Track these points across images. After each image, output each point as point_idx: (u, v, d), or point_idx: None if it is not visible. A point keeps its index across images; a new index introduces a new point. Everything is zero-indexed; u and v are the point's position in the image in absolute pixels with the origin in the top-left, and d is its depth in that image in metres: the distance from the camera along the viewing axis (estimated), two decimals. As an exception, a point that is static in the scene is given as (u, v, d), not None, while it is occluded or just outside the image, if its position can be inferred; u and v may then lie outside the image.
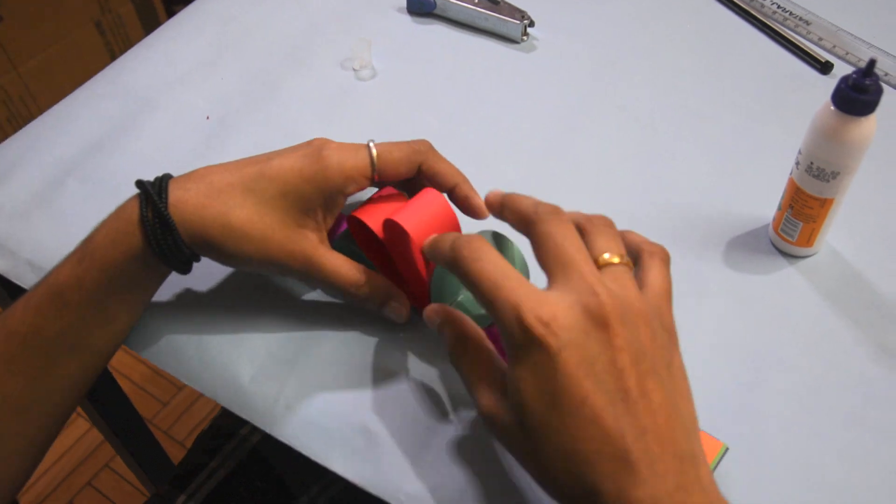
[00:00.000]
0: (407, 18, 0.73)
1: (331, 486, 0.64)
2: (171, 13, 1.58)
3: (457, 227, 0.46)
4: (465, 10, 0.71)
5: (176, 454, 1.25)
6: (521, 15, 0.70)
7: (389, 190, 0.49)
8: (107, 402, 0.84)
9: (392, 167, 0.45)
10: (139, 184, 0.43)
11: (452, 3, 0.71)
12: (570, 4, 0.75)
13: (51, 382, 0.44)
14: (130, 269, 0.43)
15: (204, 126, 0.63)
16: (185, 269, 0.45)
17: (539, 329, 0.33)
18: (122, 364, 1.37)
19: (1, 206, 0.57)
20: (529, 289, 0.35)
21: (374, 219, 0.46)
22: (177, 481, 0.65)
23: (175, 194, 0.43)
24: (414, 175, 0.46)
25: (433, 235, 0.42)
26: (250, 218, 0.43)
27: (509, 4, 0.71)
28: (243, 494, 0.64)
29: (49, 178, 0.59)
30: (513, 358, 0.34)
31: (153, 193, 0.42)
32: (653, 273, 0.39)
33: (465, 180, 0.47)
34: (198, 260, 0.45)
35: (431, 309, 0.42)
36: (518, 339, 0.34)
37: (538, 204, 0.39)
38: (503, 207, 0.41)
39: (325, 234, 0.46)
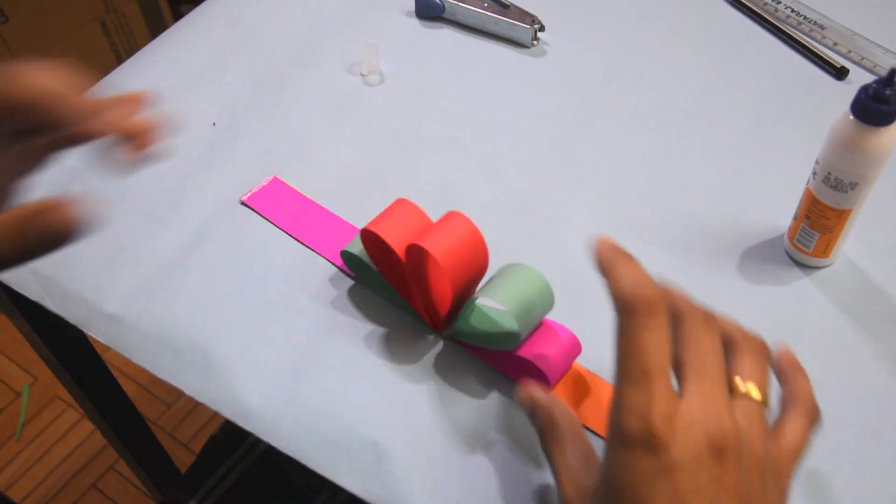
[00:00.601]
0: (415, 22, 0.72)
1: (340, 491, 0.63)
2: (176, 13, 1.58)
3: (485, 254, 0.44)
4: (473, 14, 0.70)
5: (180, 456, 1.25)
6: (531, 19, 0.69)
7: (405, 204, 0.47)
8: (110, 404, 0.84)
9: None
10: None
11: (461, 6, 0.70)
12: (580, 9, 0.74)
13: None
14: None
15: (210, 132, 0.62)
16: None
17: (661, 436, 0.30)
18: (126, 365, 1.37)
19: (5, 213, 0.57)
20: (668, 388, 0.32)
21: (395, 239, 0.45)
22: (187, 486, 0.65)
23: None
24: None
25: (614, 256, 0.35)
26: None
27: (519, 9, 0.70)
28: (253, 499, 0.63)
29: (54, 186, 0.58)
30: (618, 448, 0.32)
31: None
32: (792, 426, 0.36)
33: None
34: None
35: (525, 393, 0.40)
36: (633, 433, 0.31)
37: (693, 303, 0.35)
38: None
39: None
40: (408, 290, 0.48)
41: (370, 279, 0.51)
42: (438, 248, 0.42)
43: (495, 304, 0.45)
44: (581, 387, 0.46)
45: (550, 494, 0.43)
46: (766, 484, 0.32)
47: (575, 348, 0.46)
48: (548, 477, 0.44)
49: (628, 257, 0.34)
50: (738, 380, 0.34)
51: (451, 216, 0.44)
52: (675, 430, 0.30)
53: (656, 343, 0.31)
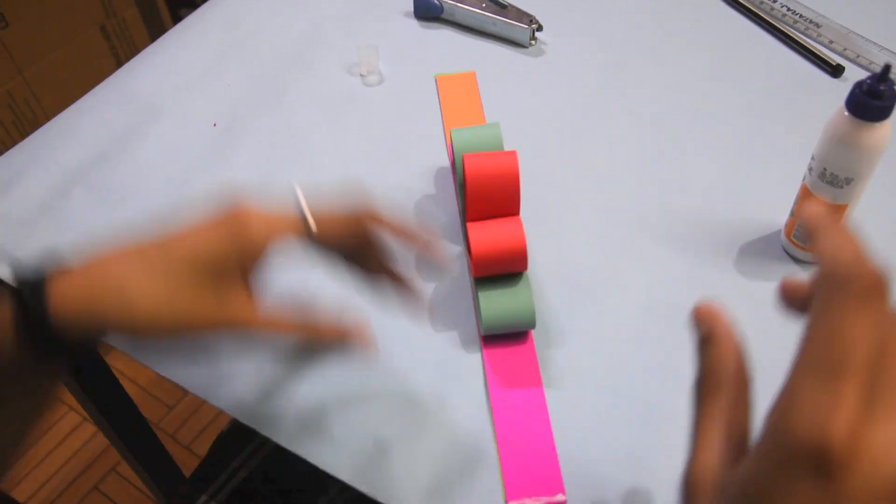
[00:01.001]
0: (414, 23, 0.73)
1: (349, 487, 0.64)
2: (175, 17, 1.58)
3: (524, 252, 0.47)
4: (472, 14, 0.71)
5: (182, 458, 1.25)
6: (529, 19, 0.69)
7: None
8: (113, 406, 0.84)
9: (329, 224, 0.39)
10: (10, 286, 0.36)
11: (459, 7, 0.71)
12: (578, 8, 0.74)
13: None
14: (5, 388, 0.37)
15: (211, 133, 0.63)
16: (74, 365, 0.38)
17: (839, 457, 0.23)
18: (128, 368, 1.37)
19: (7, 213, 0.57)
20: (864, 397, 0.23)
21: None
22: (198, 481, 0.65)
23: (57, 289, 0.36)
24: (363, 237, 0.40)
25: (830, 222, 0.28)
26: (156, 296, 0.36)
27: (517, 9, 0.70)
28: (264, 494, 0.63)
29: (55, 186, 0.59)
30: (775, 456, 0.24)
31: (26, 297, 0.35)
32: None
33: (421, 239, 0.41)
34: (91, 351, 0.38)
35: (705, 311, 0.32)
36: (802, 443, 0.23)
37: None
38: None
39: (252, 295, 0.39)
40: None
41: None
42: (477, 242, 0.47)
43: None
44: None
45: (550, 488, 0.43)
46: None
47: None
48: (548, 471, 0.44)
49: (846, 227, 0.27)
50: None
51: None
52: (858, 454, 0.23)
53: (866, 333, 0.24)
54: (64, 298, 0.35)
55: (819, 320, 0.24)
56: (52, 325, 0.35)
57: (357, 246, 0.40)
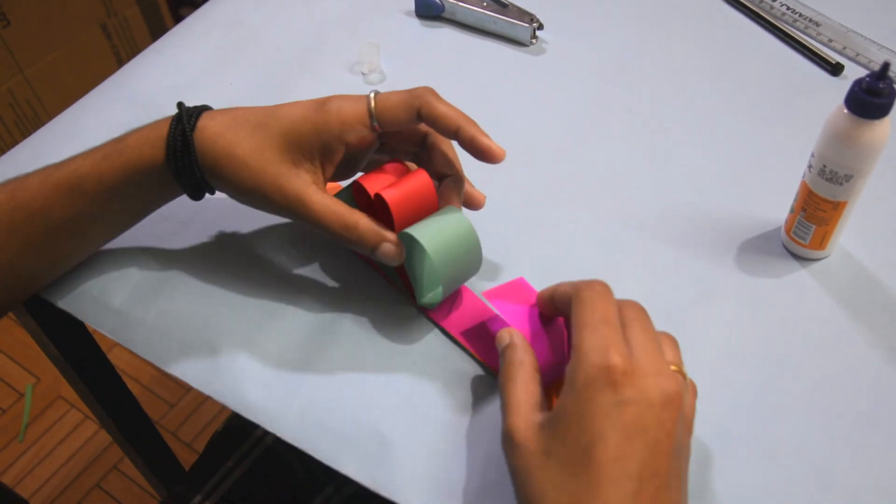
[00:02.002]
0: (415, 22, 0.73)
1: (345, 485, 0.64)
2: (176, 15, 1.58)
3: (434, 207, 0.48)
4: (473, 13, 0.71)
5: (184, 456, 1.25)
6: (529, 18, 0.70)
7: (397, 165, 0.50)
8: (116, 403, 0.85)
9: (391, 114, 0.46)
10: (179, 105, 0.48)
11: (460, 6, 0.71)
12: (579, 7, 0.74)
13: (47, 257, 0.49)
14: (148, 179, 0.47)
15: (213, 130, 0.63)
16: (196, 194, 0.48)
17: (619, 372, 0.34)
18: (129, 366, 1.37)
19: (12, 211, 0.57)
20: (623, 338, 0.36)
21: (372, 186, 0.48)
22: (192, 481, 0.65)
23: (202, 121, 0.46)
24: (415, 122, 0.47)
25: (553, 286, 0.43)
26: (252, 150, 0.45)
27: (518, 7, 0.71)
28: (259, 494, 0.64)
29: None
30: (578, 383, 0.35)
31: (184, 116, 0.46)
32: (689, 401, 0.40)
33: (470, 122, 0.47)
34: (210, 190, 0.48)
35: (507, 333, 0.43)
36: (594, 367, 0.35)
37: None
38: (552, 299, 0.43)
39: (321, 178, 0.47)
40: None
41: None
42: (391, 195, 0.46)
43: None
44: None
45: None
46: (688, 441, 0.38)
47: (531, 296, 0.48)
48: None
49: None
50: (674, 363, 0.40)
51: (415, 173, 0.48)
52: (633, 370, 0.35)
53: (612, 307, 0.38)
54: (203, 130, 0.46)
55: (581, 302, 0.38)
56: (191, 144, 0.45)
57: (417, 138, 0.49)
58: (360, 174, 0.51)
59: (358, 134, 0.46)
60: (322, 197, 0.46)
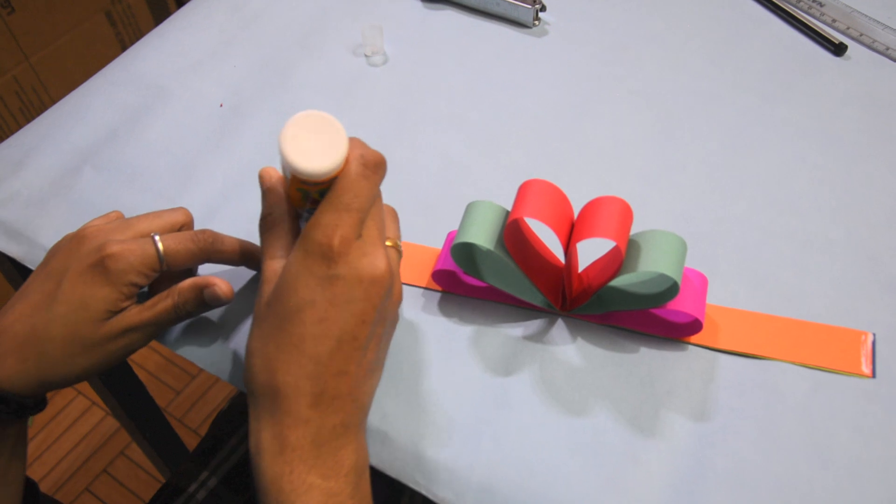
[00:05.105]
0: (418, 4, 0.73)
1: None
2: (180, 3, 1.58)
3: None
4: (476, -6, 0.71)
5: (190, 441, 1.26)
6: (532, 0, 0.70)
7: (543, 185, 0.47)
8: (124, 389, 0.85)
9: (179, 259, 0.46)
10: None
11: (464, -12, 0.71)
12: (581, -12, 0.74)
13: None
14: None
15: (218, 113, 0.63)
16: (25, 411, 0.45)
17: (336, 252, 0.38)
18: (136, 354, 1.38)
19: (18, 193, 0.58)
20: (357, 225, 0.39)
21: (555, 226, 0.45)
22: (198, 458, 0.66)
23: None
24: (203, 261, 0.47)
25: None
26: (68, 350, 0.44)
27: (521, -11, 0.71)
28: None
29: (65, 165, 0.59)
30: (300, 252, 0.39)
31: None
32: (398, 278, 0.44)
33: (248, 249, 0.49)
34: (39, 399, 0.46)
35: (267, 174, 0.44)
36: (316, 243, 0.38)
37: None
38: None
39: (133, 301, 0.46)
40: (544, 274, 0.49)
41: (488, 269, 0.50)
42: (615, 235, 0.44)
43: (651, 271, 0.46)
44: (715, 321, 0.49)
45: (556, 477, 0.44)
46: (394, 310, 0.42)
47: (704, 284, 0.49)
48: (552, 456, 0.45)
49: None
50: (391, 238, 0.44)
51: (605, 201, 0.46)
52: (348, 254, 0.38)
53: (368, 193, 0.39)
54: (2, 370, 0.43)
55: (347, 180, 0.38)
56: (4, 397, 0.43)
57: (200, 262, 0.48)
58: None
59: (148, 277, 0.45)
60: (142, 310, 0.45)
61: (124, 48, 1.50)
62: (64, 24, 1.39)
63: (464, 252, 0.49)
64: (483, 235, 0.46)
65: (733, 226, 0.55)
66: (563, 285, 0.49)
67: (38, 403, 0.46)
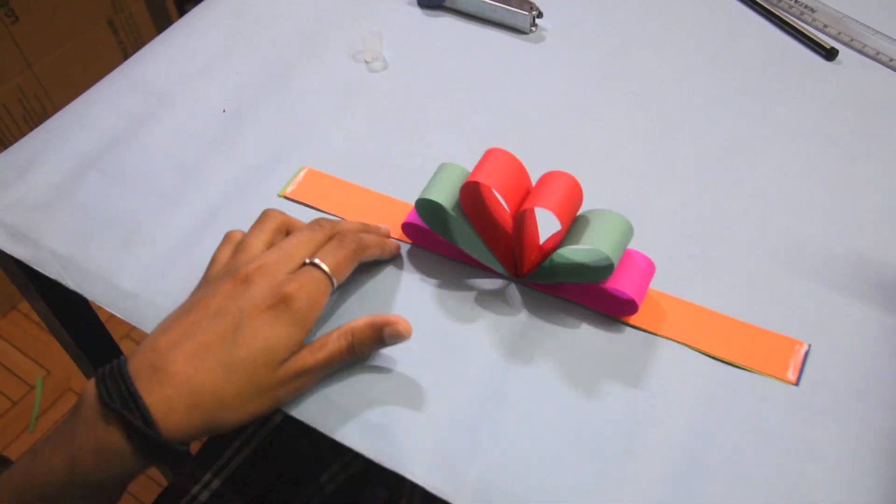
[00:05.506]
0: (417, 11, 0.75)
1: (350, 464, 0.65)
2: (182, 11, 1.60)
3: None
4: (473, 1, 0.72)
5: (192, 443, 1.27)
6: (529, 6, 0.71)
7: (500, 154, 0.49)
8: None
9: (344, 275, 0.47)
10: (103, 402, 0.40)
11: (461, -5, 0.72)
12: (577, -5, 0.76)
13: None
14: (124, 483, 0.44)
15: (220, 118, 0.64)
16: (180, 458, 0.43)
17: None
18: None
19: (24, 197, 0.59)
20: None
21: (503, 192, 0.47)
22: (201, 460, 0.66)
23: (158, 409, 0.40)
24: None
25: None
26: (243, 397, 0.43)
27: (517, -4, 0.72)
28: (267, 472, 0.65)
29: (69, 171, 0.61)
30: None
31: (134, 419, 0.40)
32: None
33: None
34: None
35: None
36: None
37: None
38: None
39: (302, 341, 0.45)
40: (496, 239, 0.51)
41: (447, 228, 0.52)
42: (555, 207, 0.46)
43: (590, 247, 0.48)
44: (658, 307, 0.51)
45: (557, 470, 0.45)
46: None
47: (651, 269, 0.50)
48: (554, 447, 0.45)
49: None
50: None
51: (553, 175, 0.48)
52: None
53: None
54: (167, 414, 0.40)
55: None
56: (168, 443, 0.40)
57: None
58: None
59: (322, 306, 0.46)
60: (314, 351, 0.45)
61: (126, 56, 1.52)
62: (67, 32, 1.41)
63: (428, 208, 0.51)
64: (444, 195, 0.49)
65: (727, 226, 0.56)
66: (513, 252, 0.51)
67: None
